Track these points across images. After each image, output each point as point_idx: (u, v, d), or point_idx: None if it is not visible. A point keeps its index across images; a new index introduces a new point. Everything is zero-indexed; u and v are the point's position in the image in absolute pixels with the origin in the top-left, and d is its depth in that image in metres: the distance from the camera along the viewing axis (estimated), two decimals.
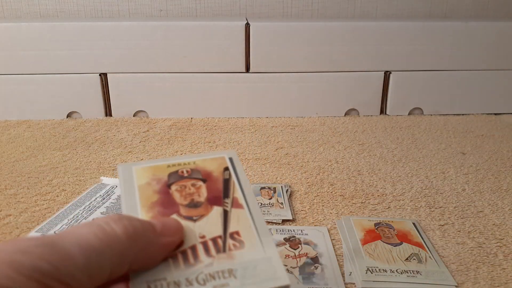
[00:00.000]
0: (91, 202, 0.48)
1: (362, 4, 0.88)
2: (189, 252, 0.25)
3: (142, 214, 0.26)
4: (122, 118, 0.81)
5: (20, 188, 0.55)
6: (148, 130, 0.76)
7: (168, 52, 0.79)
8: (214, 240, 0.25)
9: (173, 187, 0.28)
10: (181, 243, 0.25)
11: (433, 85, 0.84)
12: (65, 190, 0.55)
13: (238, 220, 0.27)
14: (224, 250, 0.25)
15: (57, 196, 0.53)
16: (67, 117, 0.82)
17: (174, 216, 0.27)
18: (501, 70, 0.84)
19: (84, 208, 0.47)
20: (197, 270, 0.24)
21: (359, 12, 0.89)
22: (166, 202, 0.27)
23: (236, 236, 0.26)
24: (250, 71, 0.81)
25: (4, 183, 0.56)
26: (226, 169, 0.30)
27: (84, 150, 0.67)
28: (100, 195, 0.50)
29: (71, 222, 0.44)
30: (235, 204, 0.28)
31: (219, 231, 0.26)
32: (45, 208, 0.50)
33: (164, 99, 0.82)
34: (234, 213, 0.27)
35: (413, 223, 0.47)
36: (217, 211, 0.27)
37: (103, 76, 0.80)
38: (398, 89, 0.84)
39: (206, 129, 0.77)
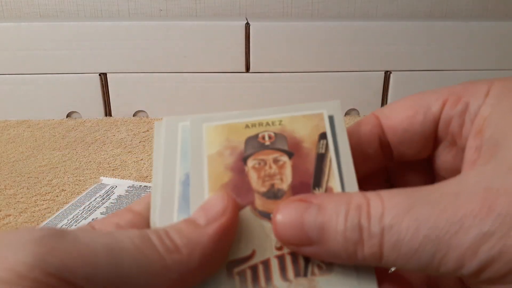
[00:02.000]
0: (91, 202, 0.48)
1: (362, 4, 0.88)
2: (260, 269, 0.18)
3: None
4: (122, 118, 0.81)
5: (19, 188, 0.55)
6: (148, 130, 0.76)
7: (168, 52, 0.79)
8: (294, 256, 0.18)
9: (250, 162, 0.20)
10: (234, 226, 0.18)
11: (434, 85, 0.84)
12: (65, 190, 0.55)
13: None
14: (306, 274, 0.18)
15: (57, 196, 0.53)
16: (66, 117, 0.82)
17: (247, 210, 0.19)
18: (502, 70, 0.84)
19: (84, 208, 0.47)
20: None
21: (359, 12, 0.89)
22: (239, 186, 0.20)
23: None
24: (250, 71, 0.81)
25: (3, 183, 0.56)
26: (323, 136, 0.21)
27: (84, 150, 0.67)
28: (100, 195, 0.50)
29: (71, 222, 0.44)
30: None
31: None
32: (45, 208, 0.50)
33: (164, 99, 0.82)
34: None
35: None
36: None
37: (103, 76, 0.80)
38: (398, 89, 0.84)
39: None
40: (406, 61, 0.82)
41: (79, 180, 0.57)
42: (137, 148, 0.68)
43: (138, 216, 0.20)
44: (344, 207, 0.17)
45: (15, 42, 0.78)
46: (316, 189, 0.19)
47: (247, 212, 0.19)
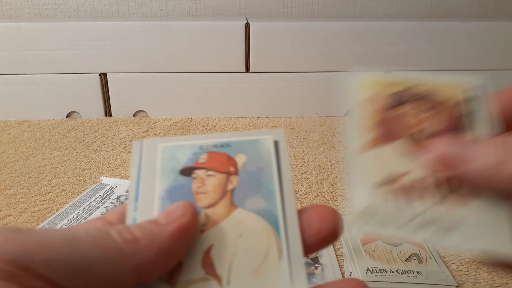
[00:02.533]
0: (91, 202, 0.48)
1: (362, 3, 0.88)
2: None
3: (362, 132, 0.22)
4: (122, 118, 0.81)
5: (19, 188, 0.55)
6: (148, 130, 0.76)
7: (168, 52, 0.79)
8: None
9: (407, 106, 0.23)
10: (192, 229, 0.20)
11: None
12: (65, 190, 0.54)
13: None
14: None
15: (57, 196, 0.53)
16: (66, 117, 0.82)
17: (397, 143, 0.22)
18: (502, 70, 0.84)
19: (84, 208, 0.47)
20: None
21: (359, 12, 0.89)
22: (392, 123, 0.23)
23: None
24: (250, 71, 0.81)
25: (3, 183, 0.56)
26: (470, 99, 0.23)
27: (84, 150, 0.67)
28: (99, 195, 0.50)
29: (70, 222, 0.44)
30: None
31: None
32: (45, 208, 0.50)
33: (164, 99, 0.82)
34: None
35: None
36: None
37: (103, 76, 0.80)
38: None
39: (206, 129, 0.77)
40: (406, 61, 0.82)
41: (79, 180, 0.57)
42: None
43: (109, 224, 0.21)
44: (493, 141, 0.20)
45: (15, 42, 0.78)
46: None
47: (396, 145, 0.22)
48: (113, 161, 0.63)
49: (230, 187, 0.22)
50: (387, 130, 0.22)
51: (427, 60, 0.82)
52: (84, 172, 0.59)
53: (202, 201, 0.21)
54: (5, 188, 0.55)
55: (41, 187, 0.55)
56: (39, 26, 0.77)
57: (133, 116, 0.83)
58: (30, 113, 0.81)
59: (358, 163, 0.22)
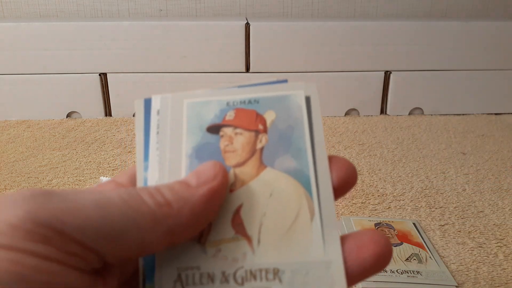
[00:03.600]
0: None
1: (362, 3, 0.88)
2: None
3: None
4: (122, 118, 0.81)
5: (19, 188, 0.55)
6: None
7: (168, 52, 0.79)
8: None
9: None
10: (223, 190, 0.19)
11: (434, 85, 0.84)
12: None
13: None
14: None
15: None
16: (66, 117, 0.82)
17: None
18: (502, 70, 0.84)
19: None
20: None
21: (359, 12, 0.89)
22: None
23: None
24: (250, 71, 0.81)
25: (3, 183, 0.56)
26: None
27: (84, 150, 0.67)
28: None
29: None
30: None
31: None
32: None
33: None
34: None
35: (414, 223, 0.47)
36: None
37: (103, 76, 0.80)
38: (398, 89, 0.83)
39: None
40: (406, 61, 0.82)
41: (79, 180, 0.57)
42: None
43: (121, 186, 0.21)
44: None
45: (15, 42, 0.78)
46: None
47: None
48: (113, 161, 0.63)
49: (259, 146, 0.21)
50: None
51: (428, 59, 0.82)
52: (84, 172, 0.59)
53: (230, 160, 0.20)
54: (5, 188, 0.55)
55: (41, 187, 0.55)
56: (39, 26, 0.77)
57: (133, 116, 0.83)
58: (30, 113, 0.81)
59: None
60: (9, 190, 0.54)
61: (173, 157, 0.21)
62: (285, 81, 0.22)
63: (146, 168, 0.20)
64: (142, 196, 0.17)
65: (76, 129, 0.76)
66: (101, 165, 0.62)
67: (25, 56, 0.78)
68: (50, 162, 0.62)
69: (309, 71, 0.82)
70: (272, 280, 0.18)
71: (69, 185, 0.56)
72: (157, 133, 0.21)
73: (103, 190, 0.17)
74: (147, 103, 0.23)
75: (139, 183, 0.20)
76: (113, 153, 0.66)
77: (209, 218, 0.19)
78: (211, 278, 0.18)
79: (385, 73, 0.83)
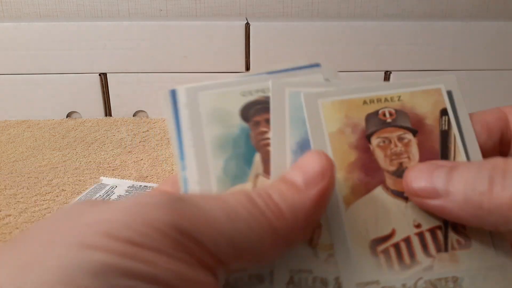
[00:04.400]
0: None
1: (362, 3, 0.88)
2: (403, 247, 0.18)
3: (339, 181, 0.19)
4: (122, 118, 0.81)
5: (19, 188, 0.55)
6: (148, 130, 0.76)
7: (168, 51, 0.79)
8: (432, 232, 0.19)
9: (374, 141, 0.20)
10: (333, 188, 0.18)
11: None
12: (65, 190, 0.54)
13: None
14: (446, 249, 0.18)
15: (57, 196, 0.53)
16: (66, 117, 0.82)
17: (379, 189, 0.19)
18: (502, 70, 0.84)
19: None
20: (414, 274, 0.18)
21: (359, 12, 0.89)
22: (367, 164, 0.19)
23: (461, 229, 0.19)
24: (250, 71, 0.81)
25: (3, 183, 0.56)
26: (444, 112, 0.21)
27: (84, 150, 0.67)
28: (99, 195, 0.50)
29: None
30: None
31: (438, 219, 0.19)
32: (45, 208, 0.50)
33: None
34: None
35: None
36: None
37: (103, 76, 0.80)
38: None
39: None
40: (406, 61, 0.82)
41: (79, 180, 0.57)
42: (137, 148, 0.68)
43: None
44: (476, 165, 0.17)
45: (15, 42, 0.78)
46: None
47: (380, 191, 0.19)
48: (113, 161, 0.63)
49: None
50: (365, 173, 0.19)
51: (427, 60, 0.82)
52: (84, 172, 0.59)
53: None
54: (5, 188, 0.55)
55: (41, 187, 0.55)
56: (39, 26, 0.77)
57: (133, 116, 0.83)
58: (30, 113, 0.81)
59: (347, 221, 0.19)
60: (9, 190, 0.54)
61: (277, 153, 0.19)
62: (318, 65, 0.22)
63: (184, 168, 0.19)
64: (263, 209, 0.17)
65: (76, 129, 0.76)
66: (101, 165, 0.62)
67: (25, 56, 0.78)
68: (50, 162, 0.62)
69: None
70: None
71: (69, 185, 0.56)
72: (181, 130, 0.20)
73: (225, 198, 0.17)
74: (173, 94, 0.21)
75: (180, 184, 0.20)
76: (113, 153, 0.66)
77: (319, 219, 0.18)
78: (324, 283, 0.18)
79: (385, 73, 0.83)
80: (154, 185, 0.51)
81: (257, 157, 0.20)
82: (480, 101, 0.85)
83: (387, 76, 0.83)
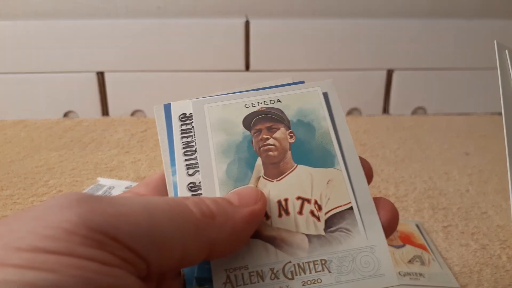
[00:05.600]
0: None
1: (364, 1, 0.87)
2: None
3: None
4: (119, 118, 0.80)
5: (16, 189, 0.54)
6: (145, 130, 0.75)
7: (166, 50, 0.78)
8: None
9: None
10: (262, 216, 0.20)
11: (437, 84, 0.83)
12: (62, 191, 0.54)
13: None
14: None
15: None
16: (63, 116, 0.81)
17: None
18: None
19: None
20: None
21: (361, 10, 0.88)
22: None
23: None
24: (250, 70, 0.80)
25: (0, 184, 0.56)
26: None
27: (81, 151, 0.66)
28: None
29: None
30: None
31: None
32: None
33: (162, 98, 0.81)
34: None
35: (416, 225, 0.46)
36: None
37: (100, 75, 0.80)
38: (401, 88, 0.83)
39: None
40: (408, 60, 0.81)
41: (76, 181, 0.56)
42: (134, 148, 0.67)
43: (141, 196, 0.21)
44: None
45: (11, 41, 0.77)
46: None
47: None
48: (110, 161, 0.62)
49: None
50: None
51: (430, 58, 0.81)
52: (81, 173, 0.59)
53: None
54: (2, 189, 0.54)
55: (37, 188, 0.54)
56: (36, 25, 0.77)
57: (131, 115, 0.82)
58: (27, 112, 0.80)
59: None
60: (6, 191, 0.53)
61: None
62: (302, 82, 0.24)
63: (174, 173, 0.21)
64: (188, 204, 0.17)
65: (73, 129, 0.75)
66: (98, 166, 0.61)
67: (21, 55, 0.78)
68: (47, 163, 0.62)
69: (310, 70, 0.81)
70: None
71: (66, 186, 0.55)
72: (182, 137, 0.22)
73: (149, 197, 0.18)
74: (167, 108, 0.23)
75: (169, 188, 0.21)
76: (111, 154, 0.65)
77: (246, 239, 0.19)
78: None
79: (387, 71, 0.82)
80: None
81: (259, 161, 0.21)
82: (484, 100, 0.84)
83: (389, 74, 0.82)
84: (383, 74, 0.82)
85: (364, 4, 0.88)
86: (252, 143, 0.22)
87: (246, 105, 0.23)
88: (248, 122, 0.22)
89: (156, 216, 0.16)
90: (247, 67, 0.80)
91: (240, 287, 0.19)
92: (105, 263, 0.14)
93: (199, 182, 0.21)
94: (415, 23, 0.79)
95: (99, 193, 0.50)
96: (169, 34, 0.77)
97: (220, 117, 0.23)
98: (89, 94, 0.80)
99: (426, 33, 0.80)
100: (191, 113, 0.23)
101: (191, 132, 0.22)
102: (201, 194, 0.21)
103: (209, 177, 0.21)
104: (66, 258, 0.14)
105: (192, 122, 0.22)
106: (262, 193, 0.20)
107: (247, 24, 0.77)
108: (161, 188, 0.22)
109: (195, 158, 0.21)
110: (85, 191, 0.51)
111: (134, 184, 0.52)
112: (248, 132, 0.22)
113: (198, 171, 0.21)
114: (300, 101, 0.23)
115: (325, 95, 0.23)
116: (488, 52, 0.81)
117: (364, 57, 0.80)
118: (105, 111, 0.82)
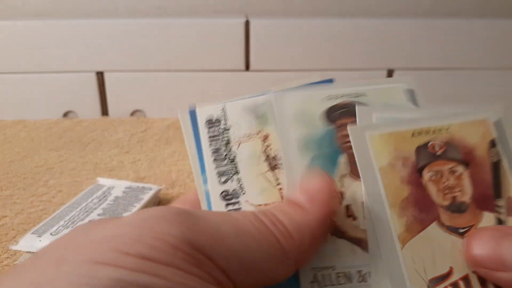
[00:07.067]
0: (88, 204, 0.47)
1: (364, 1, 0.87)
2: (462, 286, 0.18)
3: (393, 218, 0.19)
4: (119, 118, 0.80)
5: (15, 189, 0.54)
6: (145, 130, 0.75)
7: (166, 50, 0.78)
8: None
9: (426, 175, 0.20)
10: (337, 207, 0.19)
11: (437, 83, 0.83)
12: (61, 191, 0.54)
13: None
14: None
15: (53, 197, 0.52)
16: (63, 116, 0.81)
17: (434, 225, 0.19)
18: (507, 69, 0.83)
19: (81, 209, 0.46)
20: None
21: (361, 9, 0.88)
22: (420, 200, 0.19)
23: None
24: (250, 70, 0.80)
25: None
26: (493, 144, 0.20)
27: (81, 151, 0.66)
28: (96, 197, 0.49)
29: (67, 223, 0.43)
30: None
31: None
32: (41, 210, 0.49)
33: (162, 98, 0.81)
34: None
35: None
36: (488, 220, 0.19)
37: (100, 75, 0.79)
38: None
39: None
40: (409, 59, 0.81)
41: (76, 181, 0.56)
42: (134, 148, 0.67)
43: None
44: None
45: (10, 41, 0.77)
46: (498, 200, 0.19)
47: (435, 228, 0.19)
48: (110, 161, 0.62)
49: None
50: (419, 209, 0.19)
51: (431, 58, 0.81)
52: (81, 173, 0.58)
53: None
54: (1, 189, 0.54)
55: (37, 188, 0.54)
56: (35, 24, 0.76)
57: (131, 115, 0.82)
58: (26, 112, 0.80)
59: (404, 261, 0.18)
60: (5, 191, 0.53)
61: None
62: (331, 80, 0.23)
63: (205, 181, 0.20)
64: (267, 224, 0.17)
65: (73, 129, 0.75)
66: (97, 166, 0.61)
67: (21, 55, 0.77)
68: (47, 163, 0.61)
69: (311, 69, 0.81)
70: None
71: (66, 186, 0.55)
72: (211, 144, 0.21)
73: (233, 214, 0.17)
74: (193, 114, 0.23)
75: (201, 198, 0.20)
76: (110, 154, 0.65)
77: (325, 239, 0.19)
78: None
79: (388, 71, 0.82)
80: (152, 185, 0.51)
81: (343, 159, 0.20)
82: (486, 100, 0.84)
83: (390, 74, 0.82)
84: (383, 74, 0.82)
85: (364, 4, 0.88)
86: (334, 138, 0.20)
87: (329, 98, 0.22)
88: (332, 115, 0.21)
89: (244, 239, 0.16)
90: (247, 67, 0.80)
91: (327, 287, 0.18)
92: (205, 280, 0.15)
93: (233, 190, 0.20)
94: (415, 23, 0.79)
95: (98, 193, 0.49)
96: (169, 34, 0.77)
97: (301, 109, 0.22)
98: (89, 94, 0.80)
99: (426, 33, 0.80)
100: (217, 118, 0.22)
101: (219, 138, 0.22)
102: (237, 203, 0.20)
103: (292, 171, 0.20)
104: (172, 269, 0.14)
105: (219, 128, 0.22)
106: (325, 177, 0.19)
107: (247, 23, 0.77)
108: (199, 207, 0.22)
109: (226, 165, 0.21)
110: (85, 191, 0.51)
111: (134, 184, 0.52)
112: (330, 126, 0.21)
113: (231, 179, 0.20)
114: (385, 96, 0.22)
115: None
116: (489, 52, 0.81)
117: (364, 57, 0.80)
118: (104, 111, 0.81)
